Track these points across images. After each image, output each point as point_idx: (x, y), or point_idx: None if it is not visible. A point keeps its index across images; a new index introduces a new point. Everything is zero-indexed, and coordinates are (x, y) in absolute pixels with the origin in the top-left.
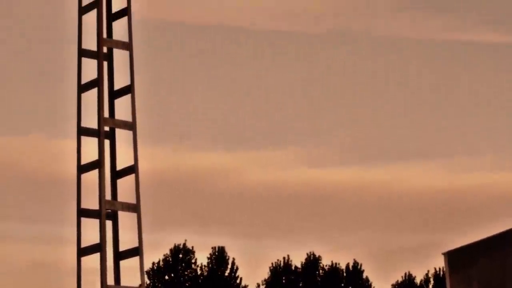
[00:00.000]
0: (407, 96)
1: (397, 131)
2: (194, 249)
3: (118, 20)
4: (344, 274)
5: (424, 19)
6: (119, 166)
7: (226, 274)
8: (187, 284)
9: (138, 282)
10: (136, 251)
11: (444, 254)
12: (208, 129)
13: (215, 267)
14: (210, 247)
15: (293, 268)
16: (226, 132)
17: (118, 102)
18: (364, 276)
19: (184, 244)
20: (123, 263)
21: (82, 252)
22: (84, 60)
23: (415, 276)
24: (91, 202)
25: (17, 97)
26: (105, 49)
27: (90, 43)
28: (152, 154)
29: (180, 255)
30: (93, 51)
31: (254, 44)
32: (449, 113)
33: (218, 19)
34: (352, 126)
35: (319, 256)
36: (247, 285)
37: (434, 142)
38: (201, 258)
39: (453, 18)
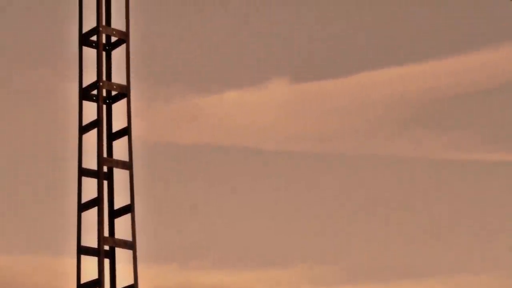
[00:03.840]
0: (411, 215)
1: (401, 249)
2: None
3: (118, 140)
4: None
5: (427, 138)
6: (119, 285)
7: None
8: None
9: None
10: None
11: None
12: (211, 248)
13: None
14: None
15: None
16: (231, 250)
17: (118, 221)
18: None
19: None
20: None
21: None
22: (84, 179)
23: None
24: None
25: (15, 216)
26: (105, 168)
27: (90, 162)
28: (155, 274)
29: None
30: (93, 170)
31: (258, 164)
32: (451, 231)
33: (222, 140)
34: (356, 245)
35: None
36: None
37: (436, 261)
38: None
39: (456, 137)
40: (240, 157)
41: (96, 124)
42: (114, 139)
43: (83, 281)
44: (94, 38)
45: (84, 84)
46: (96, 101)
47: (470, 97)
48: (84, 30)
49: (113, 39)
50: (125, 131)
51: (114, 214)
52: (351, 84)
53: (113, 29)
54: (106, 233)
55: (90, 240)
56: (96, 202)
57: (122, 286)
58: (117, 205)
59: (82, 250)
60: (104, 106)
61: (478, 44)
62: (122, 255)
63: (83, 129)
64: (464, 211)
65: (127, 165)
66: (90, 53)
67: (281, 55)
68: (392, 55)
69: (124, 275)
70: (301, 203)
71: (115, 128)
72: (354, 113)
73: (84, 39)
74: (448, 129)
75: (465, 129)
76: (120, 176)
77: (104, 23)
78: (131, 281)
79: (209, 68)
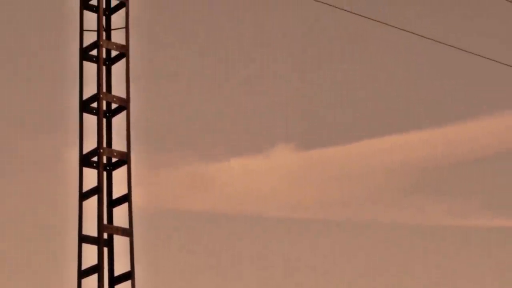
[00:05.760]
0: (411, 281)
1: None
2: None
3: (119, 206)
4: None
5: (427, 205)
6: None
7: None
8: None
9: None
10: None
11: None
12: None
13: None
14: None
15: None
16: None
17: None
18: None
19: None
20: None
21: None
22: (85, 245)
23: None
24: None
25: (16, 283)
26: (105, 235)
27: (91, 229)
28: None
29: None
30: (93, 237)
31: (259, 231)
32: None
33: (224, 207)
34: None
35: None
36: None
37: None
38: None
39: (455, 204)
40: (242, 224)
41: (97, 191)
42: (115, 206)
43: None
44: (94, 104)
45: (85, 151)
46: (97, 168)
47: (468, 165)
48: (85, 96)
49: (114, 105)
50: (126, 198)
51: (114, 280)
52: (353, 151)
53: (114, 96)
54: None
55: None
56: (96, 268)
57: None
58: (117, 272)
59: None
60: (105, 173)
61: (476, 112)
62: None
63: (84, 196)
64: (465, 277)
65: (128, 232)
66: (90, 119)
67: (285, 122)
68: (392, 123)
69: None
70: (302, 269)
71: (116, 194)
72: (356, 180)
73: (85, 106)
74: (447, 196)
75: (464, 196)
76: (120, 242)
77: (104, 89)
78: None
79: (214, 135)
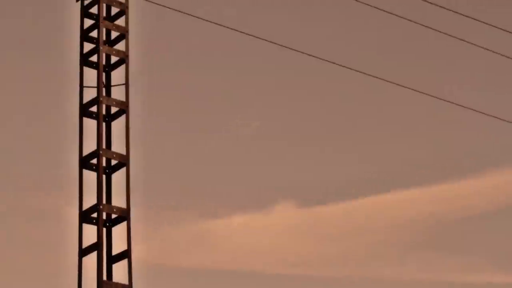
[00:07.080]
0: None
1: None
2: None
3: (118, 263)
4: None
5: (433, 261)
6: None
7: None
8: None
9: None
10: None
11: None
12: None
13: None
14: None
15: None
16: None
17: None
18: None
19: None
20: None
21: None
22: None
23: None
24: None
25: None
26: None
27: (90, 285)
28: None
29: None
30: None
31: (261, 286)
32: None
33: (225, 263)
34: None
35: None
36: None
37: None
38: None
39: (463, 259)
40: (243, 280)
41: (96, 247)
42: (114, 262)
43: None
44: (94, 161)
45: (84, 207)
46: (96, 224)
47: (474, 220)
48: (85, 153)
49: (113, 162)
50: (125, 254)
51: None
52: (353, 208)
53: (113, 152)
54: None
55: None
56: None
57: None
58: None
59: None
60: (104, 229)
61: (480, 168)
62: None
63: (83, 252)
64: None
65: None
66: (90, 176)
67: (288, 179)
68: (396, 180)
69: None
70: None
71: (115, 251)
72: (356, 237)
73: (84, 162)
74: (454, 251)
75: (472, 251)
76: None
77: (104, 146)
78: None
79: (214, 192)
